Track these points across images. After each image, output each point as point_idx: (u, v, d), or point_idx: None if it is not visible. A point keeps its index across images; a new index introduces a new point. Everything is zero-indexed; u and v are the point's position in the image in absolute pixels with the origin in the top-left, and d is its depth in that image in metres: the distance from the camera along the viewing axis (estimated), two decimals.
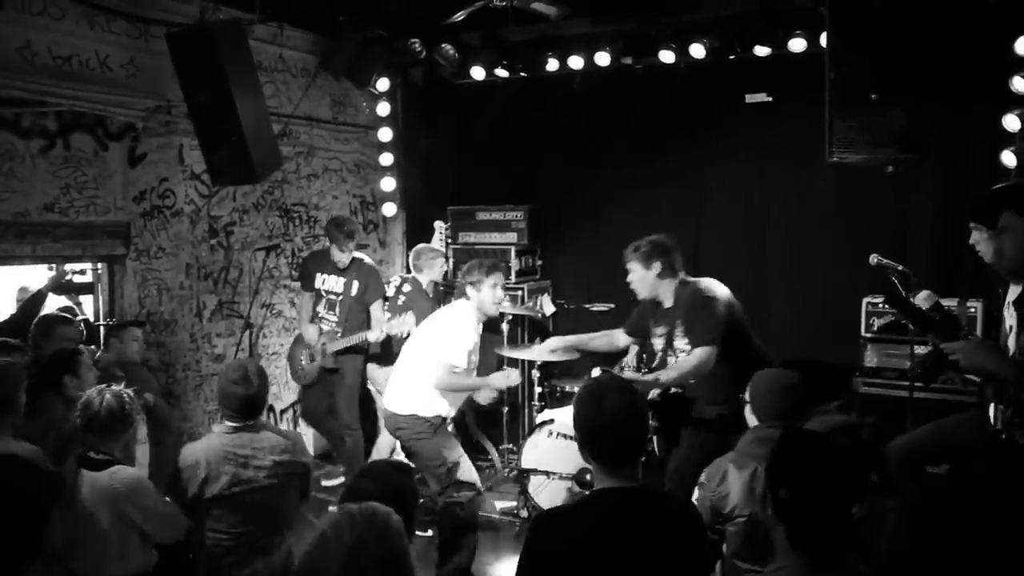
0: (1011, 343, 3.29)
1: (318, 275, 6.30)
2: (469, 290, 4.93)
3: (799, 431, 2.81)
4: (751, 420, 3.55)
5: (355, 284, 6.16)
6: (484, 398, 5.19)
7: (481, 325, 5.08)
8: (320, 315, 6.27)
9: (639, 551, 2.34)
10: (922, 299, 4.03)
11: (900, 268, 4.51)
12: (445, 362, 4.79)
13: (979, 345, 3.11)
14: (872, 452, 2.76)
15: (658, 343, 4.90)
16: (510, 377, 5.03)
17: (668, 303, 4.81)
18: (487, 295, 4.92)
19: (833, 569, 2.25)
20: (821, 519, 2.26)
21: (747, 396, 3.57)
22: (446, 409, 4.90)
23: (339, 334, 6.11)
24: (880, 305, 5.61)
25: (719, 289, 4.72)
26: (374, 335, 6.02)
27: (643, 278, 4.79)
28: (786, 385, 3.51)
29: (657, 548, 2.36)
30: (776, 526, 2.33)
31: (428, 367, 4.82)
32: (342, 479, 6.48)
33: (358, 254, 6.28)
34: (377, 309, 6.23)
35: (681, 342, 4.68)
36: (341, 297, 6.20)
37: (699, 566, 2.44)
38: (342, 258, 6.13)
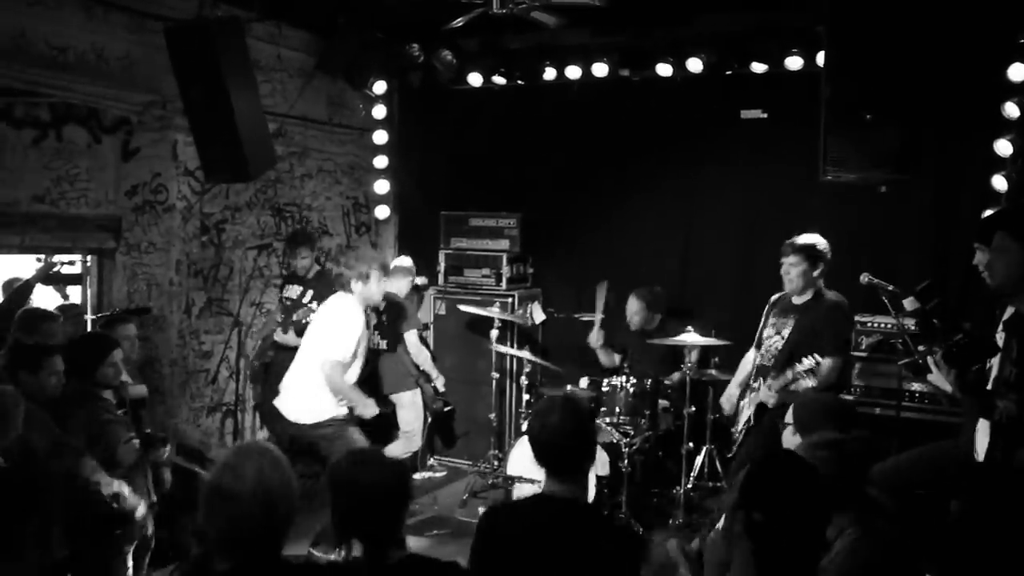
0: (994, 365, 3.31)
1: (286, 286, 6.61)
2: (355, 284, 5.19)
3: (779, 453, 2.85)
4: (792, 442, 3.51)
5: (309, 293, 6.38)
6: (367, 414, 5.28)
7: (370, 313, 5.46)
8: (277, 320, 6.56)
9: (560, 554, 2.59)
10: (908, 303, 4.10)
11: (890, 288, 4.51)
12: (333, 359, 5.04)
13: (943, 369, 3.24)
14: (859, 466, 2.77)
15: (771, 333, 5.08)
16: (368, 408, 5.25)
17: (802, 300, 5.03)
18: (374, 289, 5.20)
19: None
20: (789, 542, 2.31)
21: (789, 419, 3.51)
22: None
23: (278, 331, 6.42)
24: (869, 324, 5.65)
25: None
26: (285, 336, 6.28)
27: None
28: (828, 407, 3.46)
29: (576, 555, 2.59)
30: (741, 543, 2.39)
31: (317, 369, 5.07)
32: None
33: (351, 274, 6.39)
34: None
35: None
36: (292, 303, 6.41)
37: None
38: (297, 264, 6.50)
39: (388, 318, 6.47)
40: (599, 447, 5.39)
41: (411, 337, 6.42)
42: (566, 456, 2.71)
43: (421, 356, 6.41)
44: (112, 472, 4.10)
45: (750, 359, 5.26)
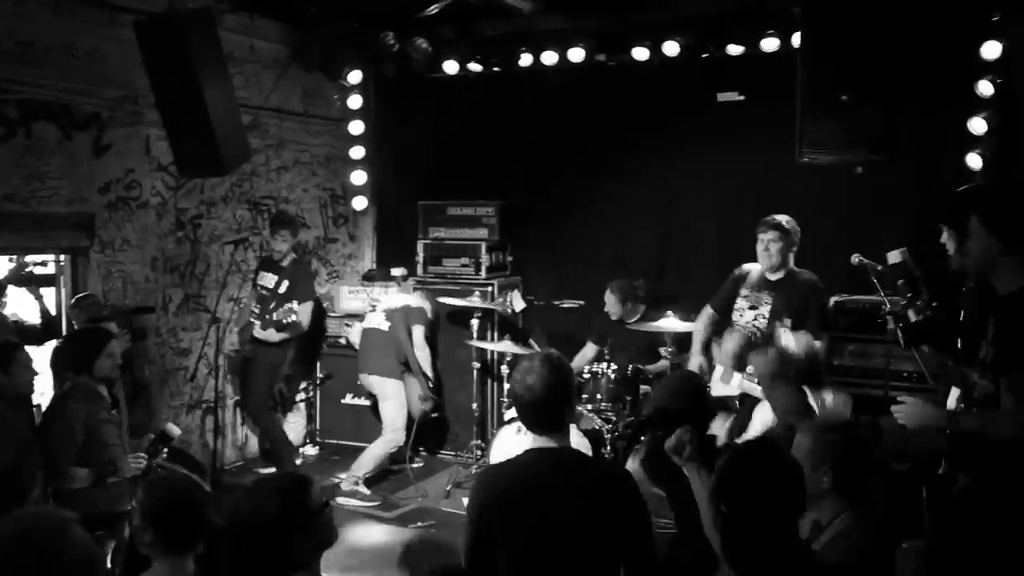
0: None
1: (260, 272, 6.45)
2: None
3: (752, 443, 2.87)
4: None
5: (284, 283, 6.24)
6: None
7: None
8: (252, 310, 6.40)
9: (553, 498, 2.63)
10: (892, 256, 4.09)
11: (880, 268, 4.54)
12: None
13: (922, 404, 3.18)
14: (869, 451, 2.79)
15: (744, 306, 5.16)
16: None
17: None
18: None
19: None
20: (754, 536, 2.31)
21: None
22: None
23: (256, 325, 6.15)
24: (847, 304, 5.74)
25: None
26: (264, 333, 6.08)
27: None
28: None
29: (570, 497, 2.62)
30: (715, 538, 2.40)
31: None
32: None
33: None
34: (303, 310, 6.16)
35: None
36: (268, 293, 6.28)
37: (618, 519, 2.59)
38: (274, 247, 6.30)
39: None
40: (581, 435, 5.41)
41: (418, 332, 6.36)
42: (550, 412, 2.70)
43: (423, 352, 6.35)
44: (107, 475, 4.13)
45: (706, 318, 5.44)
